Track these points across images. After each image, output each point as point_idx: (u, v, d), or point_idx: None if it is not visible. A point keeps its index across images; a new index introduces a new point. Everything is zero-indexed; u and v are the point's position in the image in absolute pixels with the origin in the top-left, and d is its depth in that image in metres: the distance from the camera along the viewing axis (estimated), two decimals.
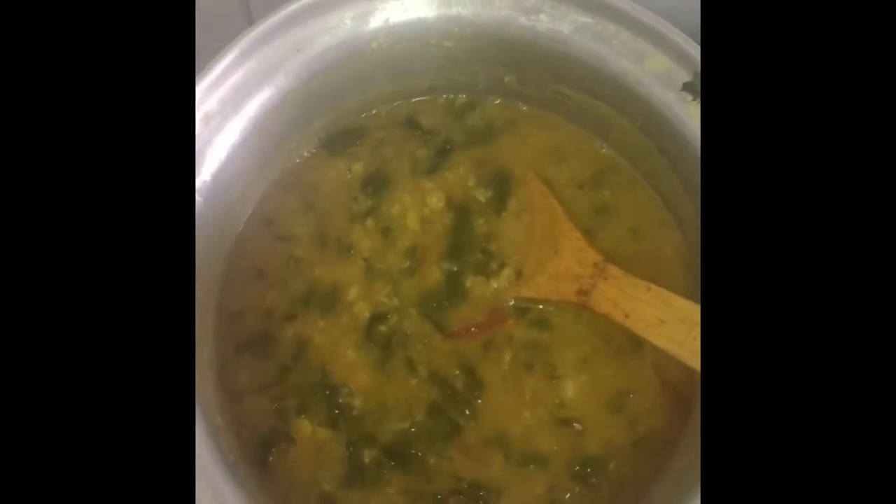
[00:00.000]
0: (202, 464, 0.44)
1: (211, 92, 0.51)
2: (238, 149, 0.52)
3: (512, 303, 0.54)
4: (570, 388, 0.52)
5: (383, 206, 0.57)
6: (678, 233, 0.56)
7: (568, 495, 0.49)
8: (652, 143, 0.55)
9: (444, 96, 0.61)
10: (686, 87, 0.51)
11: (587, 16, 0.54)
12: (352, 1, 0.54)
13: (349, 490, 0.50)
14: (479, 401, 0.51)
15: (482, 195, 0.57)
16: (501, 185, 0.58)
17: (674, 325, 0.47)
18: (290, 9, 0.53)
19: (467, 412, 0.51)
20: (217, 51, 0.51)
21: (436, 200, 0.57)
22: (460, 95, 0.61)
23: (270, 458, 0.50)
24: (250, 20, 0.69)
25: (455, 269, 0.55)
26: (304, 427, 0.51)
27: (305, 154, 0.59)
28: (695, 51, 0.51)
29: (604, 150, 0.59)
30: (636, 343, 0.52)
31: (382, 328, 0.53)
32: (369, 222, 0.57)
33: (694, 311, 0.47)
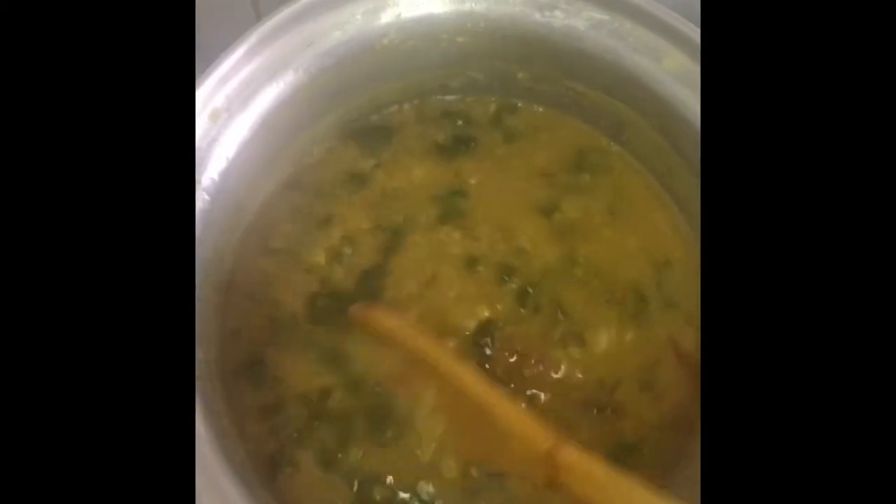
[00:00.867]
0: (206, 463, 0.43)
1: (218, 88, 0.50)
2: (246, 146, 0.51)
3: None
4: None
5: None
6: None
7: None
8: (667, 141, 0.54)
9: (458, 97, 0.61)
10: None
11: (603, 12, 0.53)
12: None
13: None
14: None
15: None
16: None
17: None
18: (300, 4, 0.52)
19: None
20: (225, 47, 0.51)
21: None
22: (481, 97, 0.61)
23: (278, 477, 0.49)
24: (259, 15, 0.68)
25: None
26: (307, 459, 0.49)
27: (315, 151, 0.59)
28: None
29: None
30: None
31: None
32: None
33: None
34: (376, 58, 0.55)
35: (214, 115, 0.50)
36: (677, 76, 0.51)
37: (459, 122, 0.60)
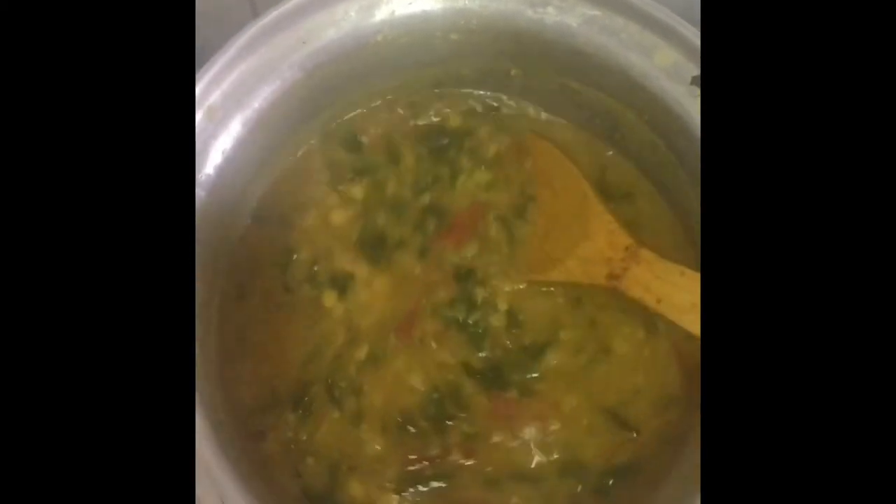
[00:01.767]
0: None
1: (214, 86, 0.51)
2: (242, 143, 0.52)
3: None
4: None
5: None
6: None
7: None
8: (659, 138, 0.54)
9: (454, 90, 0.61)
10: (695, 81, 0.51)
11: (595, 9, 0.53)
12: None
13: None
14: None
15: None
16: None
17: None
18: (295, 2, 0.52)
19: None
20: (221, 44, 0.51)
21: None
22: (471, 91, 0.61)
23: None
24: (255, 13, 0.68)
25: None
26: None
27: (310, 147, 0.59)
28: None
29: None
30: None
31: None
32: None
33: None
34: (370, 55, 0.55)
35: (211, 112, 0.50)
36: (668, 72, 0.52)
37: (452, 119, 0.60)
